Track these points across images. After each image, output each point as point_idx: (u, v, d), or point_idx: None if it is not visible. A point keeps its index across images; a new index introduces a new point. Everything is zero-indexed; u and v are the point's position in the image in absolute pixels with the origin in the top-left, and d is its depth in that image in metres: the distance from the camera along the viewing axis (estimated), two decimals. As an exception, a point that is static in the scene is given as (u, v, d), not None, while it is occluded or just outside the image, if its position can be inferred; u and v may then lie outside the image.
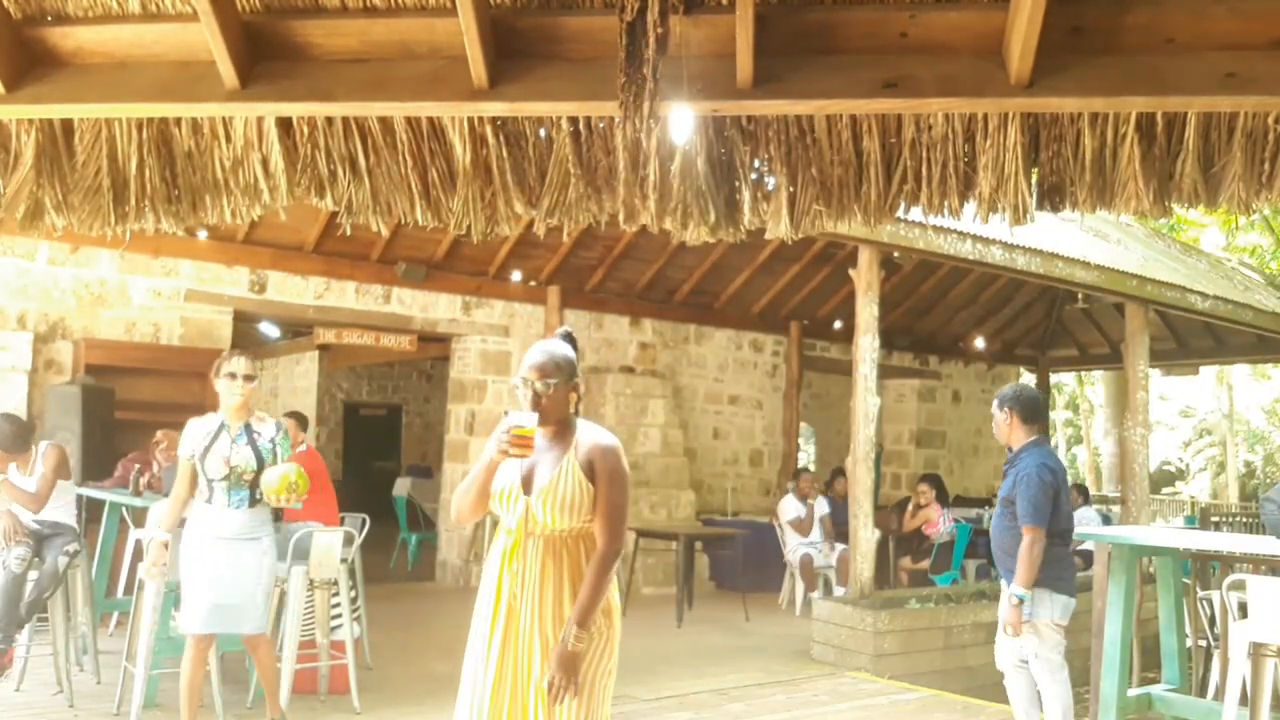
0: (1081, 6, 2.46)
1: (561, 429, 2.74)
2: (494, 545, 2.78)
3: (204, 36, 2.65)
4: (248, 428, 4.35)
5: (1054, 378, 18.38)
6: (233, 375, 4.40)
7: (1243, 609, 4.43)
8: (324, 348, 11.71)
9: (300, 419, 6.35)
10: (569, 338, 2.88)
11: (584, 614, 2.60)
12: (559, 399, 2.70)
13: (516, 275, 9.63)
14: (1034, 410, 4.55)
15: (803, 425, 13.25)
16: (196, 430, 4.31)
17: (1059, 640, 4.52)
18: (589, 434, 2.73)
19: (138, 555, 5.38)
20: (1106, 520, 10.86)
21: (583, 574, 2.65)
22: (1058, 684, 4.53)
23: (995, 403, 4.71)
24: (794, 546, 9.22)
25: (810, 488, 9.56)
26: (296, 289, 8.62)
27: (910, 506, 9.87)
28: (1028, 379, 16.51)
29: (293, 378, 14.60)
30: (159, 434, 6.29)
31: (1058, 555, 4.48)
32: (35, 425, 6.93)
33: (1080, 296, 11.52)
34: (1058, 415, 25.83)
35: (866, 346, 7.57)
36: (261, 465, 4.27)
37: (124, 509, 5.97)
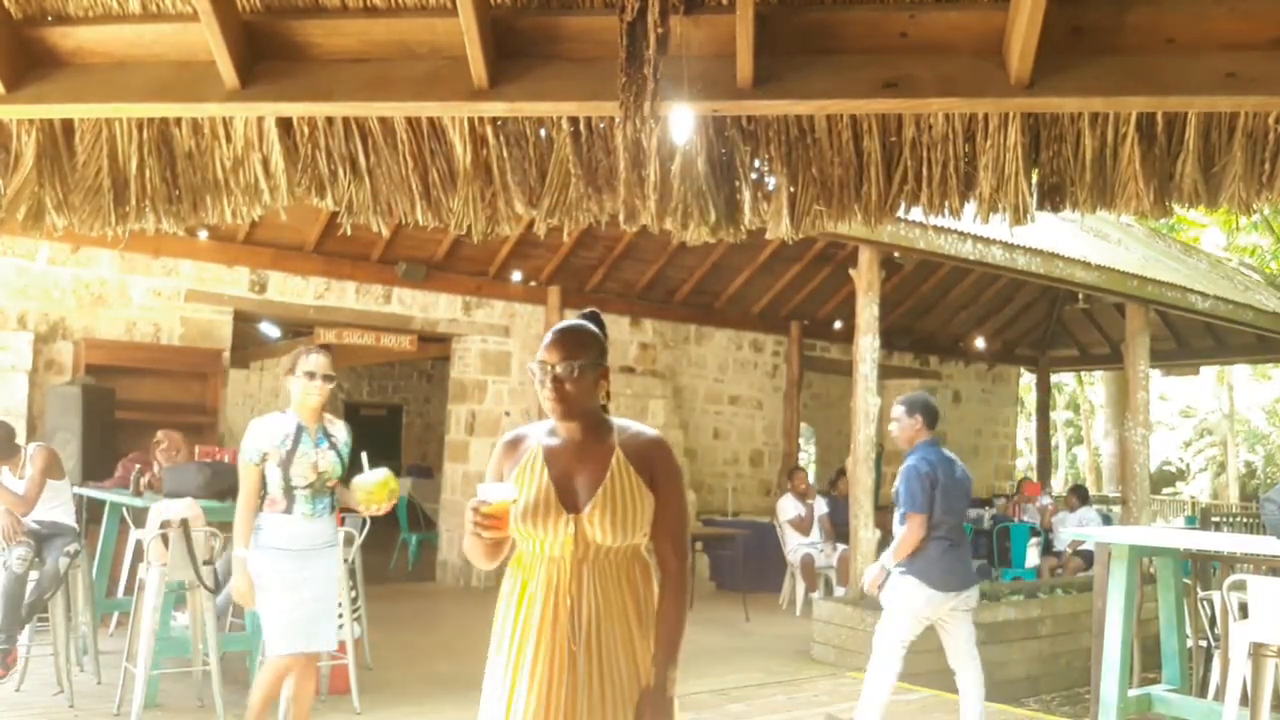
0: (1081, 6, 2.46)
1: (593, 426, 2.30)
2: (519, 577, 2.29)
3: (204, 36, 2.65)
4: (324, 430, 4.04)
5: (1054, 378, 18.38)
6: (311, 374, 3.99)
7: (1243, 609, 4.43)
8: (324, 348, 11.71)
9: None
10: (594, 317, 2.44)
11: (675, 650, 2.25)
12: (585, 386, 2.25)
13: (517, 275, 9.63)
14: (935, 416, 4.91)
15: (803, 425, 13.24)
16: (270, 431, 3.92)
17: (905, 626, 4.74)
18: (631, 429, 2.32)
19: (138, 555, 5.38)
20: (1106, 520, 10.85)
21: (640, 600, 2.27)
22: (880, 668, 4.76)
23: (903, 409, 4.92)
24: (794, 546, 9.22)
25: (807, 486, 9.56)
26: (296, 289, 8.62)
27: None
28: (1028, 379, 16.52)
29: (293, 378, 14.58)
30: (159, 434, 6.29)
31: (935, 549, 4.67)
32: (35, 425, 6.94)
33: (1080, 296, 11.53)
34: (1058, 415, 25.82)
35: (867, 346, 7.57)
36: (344, 470, 4.02)
37: (124, 509, 5.98)
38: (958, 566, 4.71)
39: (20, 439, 5.63)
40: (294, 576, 3.83)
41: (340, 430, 4.13)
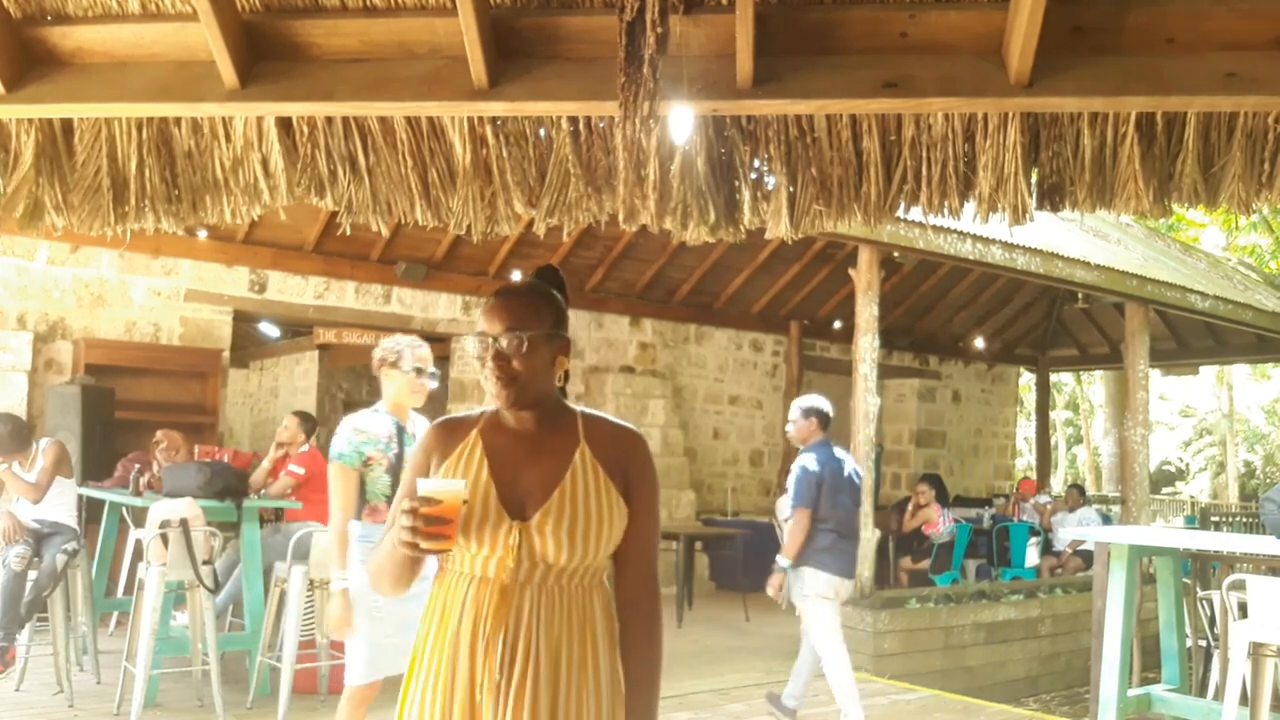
0: (1081, 6, 2.46)
1: (550, 414, 1.83)
2: (439, 604, 1.79)
3: (204, 36, 2.65)
4: (413, 431, 3.64)
5: (1054, 378, 18.39)
6: (421, 370, 3.62)
7: (1243, 609, 4.43)
8: (324, 348, 11.72)
9: (307, 418, 6.34)
10: (552, 275, 1.95)
11: (652, 715, 1.81)
12: (538, 364, 1.77)
13: (517, 275, 9.62)
14: (829, 419, 5.35)
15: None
16: (374, 432, 3.54)
17: (828, 614, 5.13)
18: (600, 419, 1.86)
19: (138, 555, 5.38)
20: (1106, 520, 10.86)
21: (600, 642, 1.76)
22: (831, 660, 5.11)
23: (799, 411, 5.35)
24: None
25: None
26: (296, 289, 8.62)
27: (910, 506, 9.88)
28: (1028, 379, 16.52)
29: (293, 378, 14.60)
30: (159, 434, 6.30)
31: (824, 539, 5.10)
32: (34, 425, 6.93)
33: (1080, 296, 11.53)
34: (1058, 415, 25.83)
35: (866, 346, 7.57)
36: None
37: (124, 509, 5.98)
38: (845, 556, 5.18)
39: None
40: (404, 598, 3.48)
41: (424, 427, 3.91)
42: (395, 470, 3.49)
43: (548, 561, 1.72)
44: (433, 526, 1.63)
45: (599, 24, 2.59)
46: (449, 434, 1.86)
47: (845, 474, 5.20)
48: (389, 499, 3.43)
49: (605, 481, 1.77)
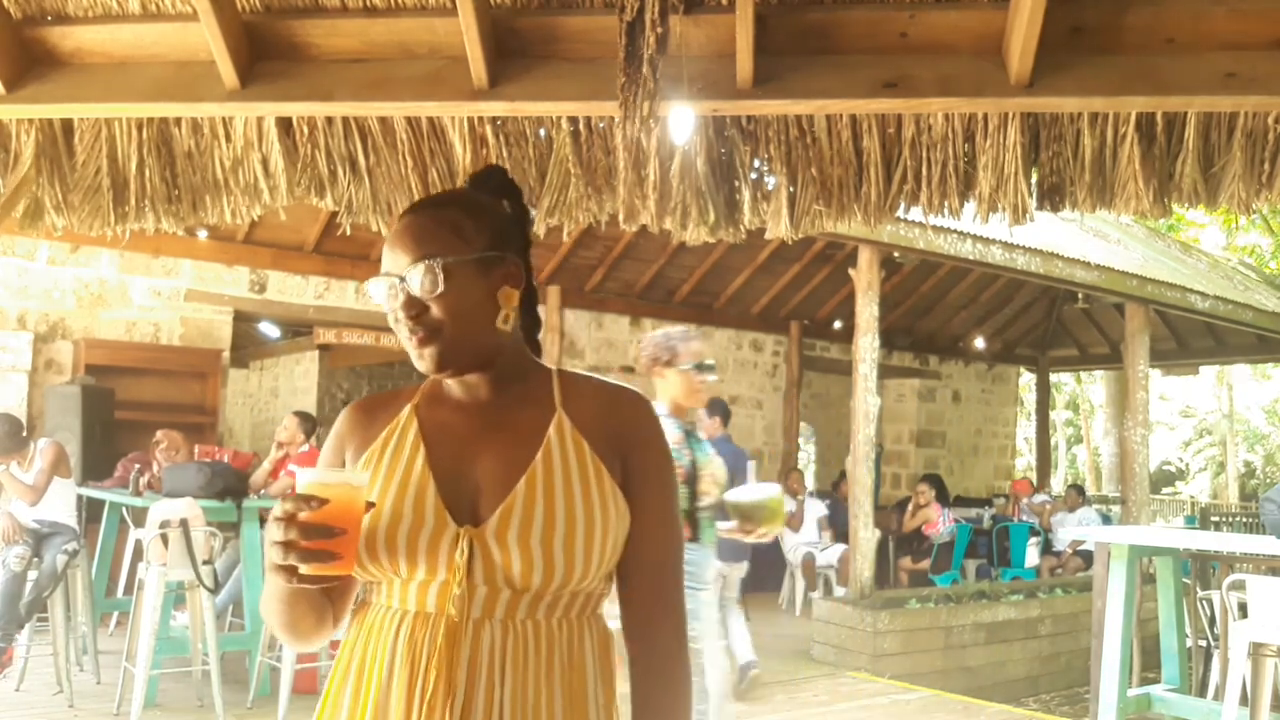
0: (1081, 6, 2.46)
1: (511, 374, 1.33)
2: (359, 649, 1.26)
3: (204, 36, 2.65)
4: None
5: (1054, 378, 18.39)
6: (701, 366, 3.26)
7: (1243, 609, 4.43)
8: (324, 348, 11.72)
9: (306, 418, 6.34)
10: (493, 179, 1.41)
11: None
12: (467, 302, 1.26)
13: (516, 275, 9.63)
14: (729, 416, 5.57)
15: (803, 425, 13.25)
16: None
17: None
18: (585, 381, 1.35)
19: (138, 555, 5.38)
20: (1106, 520, 10.86)
21: (593, 700, 1.25)
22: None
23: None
24: (794, 546, 9.23)
25: (800, 484, 9.60)
26: (296, 289, 8.62)
27: (910, 506, 9.88)
28: (1028, 379, 16.52)
29: (293, 378, 14.61)
30: (159, 434, 6.29)
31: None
32: (34, 425, 6.94)
33: (1080, 296, 11.53)
34: (1058, 415, 25.84)
35: (866, 346, 7.57)
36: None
37: (124, 509, 5.98)
38: (732, 544, 5.22)
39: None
40: (709, 625, 3.11)
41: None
42: (692, 480, 3.08)
43: (513, 584, 1.20)
44: (316, 539, 1.12)
45: (599, 24, 2.59)
46: (368, 415, 1.36)
47: (743, 467, 5.34)
48: (688, 513, 3.02)
49: (594, 464, 1.25)
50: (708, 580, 3.10)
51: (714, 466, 3.18)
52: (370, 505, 1.22)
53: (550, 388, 1.32)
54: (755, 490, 3.23)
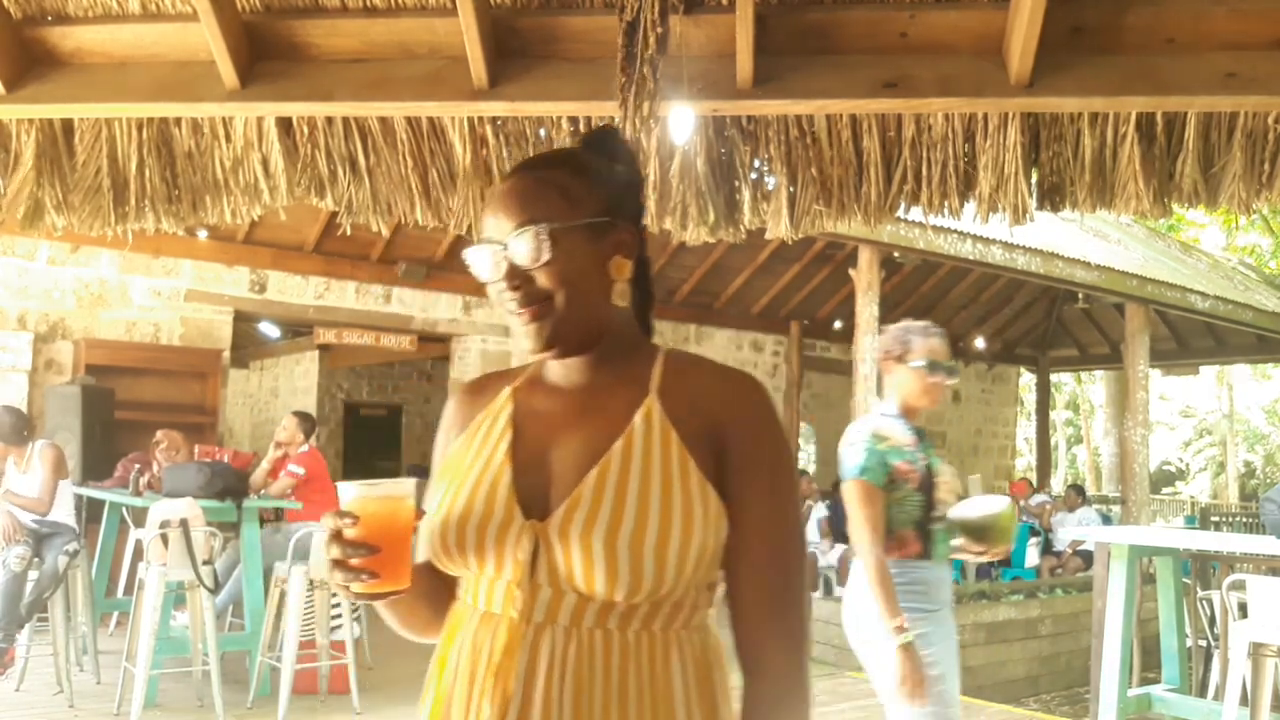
0: (1081, 6, 2.46)
1: (617, 354, 1.21)
2: (442, 645, 1.20)
3: (204, 36, 2.65)
4: None
5: (1054, 378, 18.39)
6: (935, 365, 3.03)
7: (1243, 609, 4.43)
8: (324, 348, 11.73)
9: (305, 418, 6.34)
10: (607, 139, 1.28)
11: None
12: (579, 273, 1.15)
13: (516, 275, 9.63)
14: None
15: (803, 425, 13.24)
16: (892, 436, 2.84)
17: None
18: (691, 362, 1.20)
19: (137, 555, 5.38)
20: (1106, 520, 10.86)
21: None
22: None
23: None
24: (794, 546, 9.23)
25: (806, 487, 9.58)
26: (296, 289, 8.62)
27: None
28: (1028, 379, 16.52)
29: (293, 378, 14.62)
30: (159, 434, 6.29)
31: None
32: (34, 425, 6.94)
33: (1080, 296, 11.53)
34: (1058, 415, 25.84)
35: (866, 346, 7.58)
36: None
37: (124, 509, 5.98)
38: None
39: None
40: (950, 650, 2.77)
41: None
42: (926, 489, 2.79)
43: (577, 589, 1.07)
44: (362, 557, 1.07)
45: (599, 24, 2.59)
46: (473, 396, 1.29)
47: None
48: (920, 526, 2.76)
49: (681, 456, 1.10)
50: (943, 600, 2.78)
51: (949, 474, 2.87)
52: (421, 513, 1.15)
53: (651, 369, 1.18)
54: (984, 504, 2.90)
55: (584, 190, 1.17)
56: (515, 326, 1.16)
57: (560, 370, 1.21)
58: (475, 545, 1.12)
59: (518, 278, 1.13)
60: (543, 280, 1.13)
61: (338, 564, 1.08)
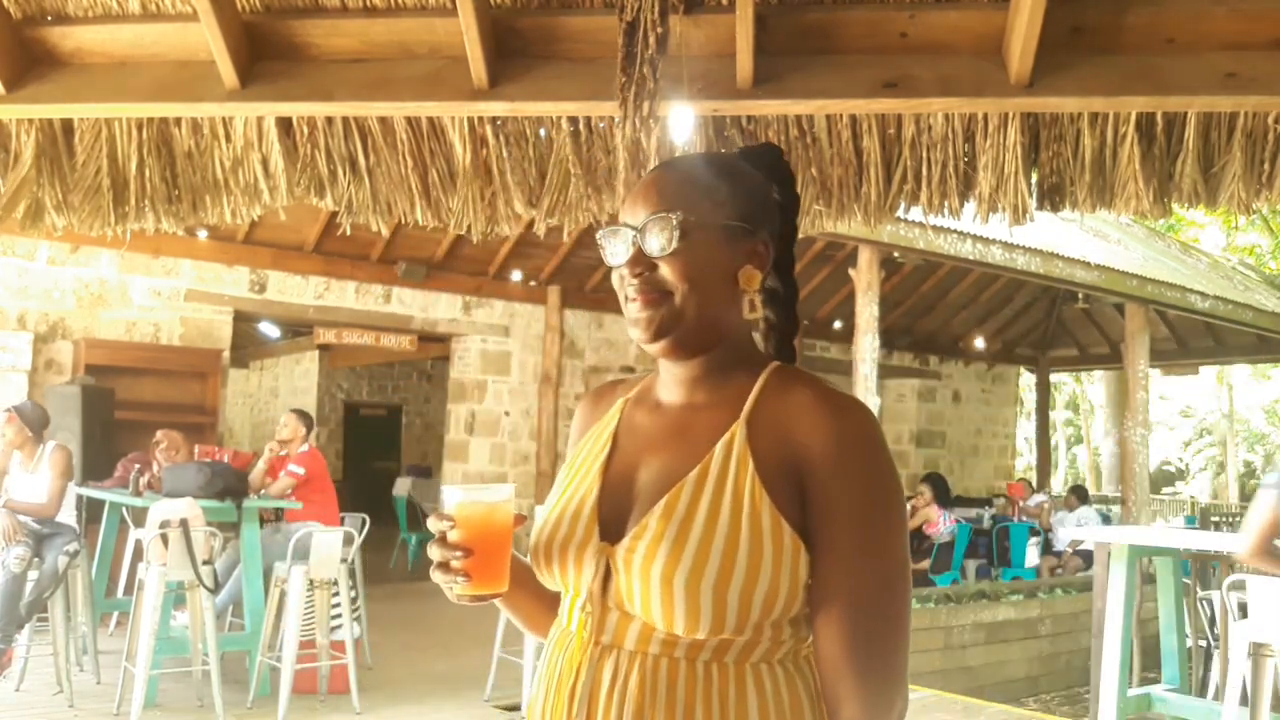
0: (1081, 6, 2.46)
1: (727, 366, 1.15)
2: (541, 660, 1.18)
3: (204, 36, 2.65)
4: None
5: (1054, 378, 18.40)
6: None
7: (1243, 609, 4.43)
8: (324, 348, 11.73)
9: (304, 417, 6.34)
10: (767, 156, 1.25)
11: None
12: (705, 270, 1.11)
13: (516, 275, 9.63)
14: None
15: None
16: None
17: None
18: (794, 383, 1.12)
19: (137, 555, 5.38)
20: (1106, 520, 10.86)
21: None
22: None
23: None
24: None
25: None
26: (296, 289, 8.62)
27: (910, 507, 9.88)
28: (1028, 379, 16.52)
29: (293, 378, 14.62)
30: (159, 434, 6.29)
31: None
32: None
33: (1080, 296, 11.53)
34: (1058, 415, 25.84)
35: (866, 346, 7.57)
36: None
37: (124, 509, 5.98)
38: None
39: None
40: None
41: None
42: None
43: (638, 619, 1.06)
44: (461, 559, 1.09)
45: (599, 24, 2.59)
46: (594, 406, 1.28)
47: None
48: None
49: (754, 489, 1.04)
50: None
51: None
52: (521, 519, 1.13)
53: (750, 390, 1.12)
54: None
55: (727, 193, 1.14)
56: (630, 314, 1.13)
57: (669, 383, 1.18)
58: (559, 562, 1.12)
59: (641, 264, 1.11)
60: (666, 271, 1.10)
61: (440, 566, 1.10)
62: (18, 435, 5.18)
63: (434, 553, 1.10)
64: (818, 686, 1.07)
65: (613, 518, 1.10)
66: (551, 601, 1.21)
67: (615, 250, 1.14)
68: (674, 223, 1.09)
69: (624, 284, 1.13)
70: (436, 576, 1.11)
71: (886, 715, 1.04)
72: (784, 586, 1.02)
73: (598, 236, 1.17)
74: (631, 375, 1.31)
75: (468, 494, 1.11)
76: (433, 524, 1.11)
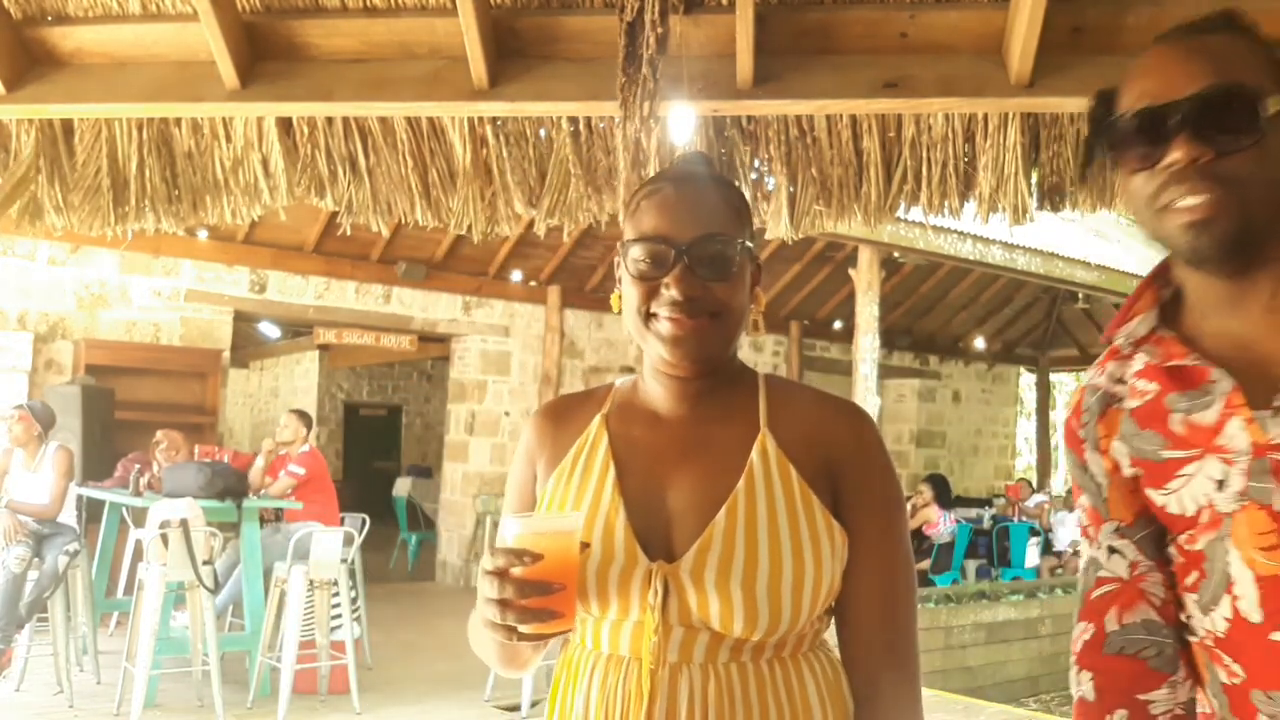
0: (1081, 6, 2.46)
1: (723, 383, 1.18)
2: (562, 690, 1.16)
3: (204, 36, 2.65)
4: None
5: (1054, 378, 18.40)
6: None
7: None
8: (324, 348, 11.74)
9: (304, 417, 6.35)
10: (700, 162, 1.25)
11: None
12: (744, 298, 1.16)
13: (516, 275, 9.63)
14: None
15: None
16: None
17: None
18: (793, 391, 1.20)
19: (137, 555, 5.38)
20: (1106, 520, 10.85)
21: None
22: None
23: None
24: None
25: None
26: (296, 289, 8.62)
27: (910, 507, 9.88)
28: (1028, 379, 16.52)
29: (293, 378, 14.63)
30: (159, 434, 6.30)
31: None
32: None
33: (1080, 296, 11.54)
34: (1058, 415, 25.82)
35: (866, 346, 7.58)
36: None
37: (124, 509, 5.98)
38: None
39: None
40: None
41: None
42: None
43: (713, 629, 1.07)
44: (534, 597, 1.01)
45: (599, 24, 2.59)
46: (557, 424, 1.23)
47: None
48: None
49: (804, 492, 1.10)
50: None
51: None
52: (585, 546, 1.10)
53: (756, 400, 1.16)
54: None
55: (747, 213, 1.19)
56: (664, 331, 1.10)
57: (664, 396, 1.18)
58: (597, 588, 1.09)
59: (695, 286, 1.09)
60: (718, 295, 1.11)
61: (506, 605, 1.01)
62: (25, 433, 5.19)
63: (506, 590, 1.01)
64: (838, 662, 1.15)
65: (652, 537, 1.10)
66: (526, 650, 1.14)
67: (653, 264, 1.10)
68: (737, 247, 1.12)
69: (659, 299, 1.10)
70: (491, 614, 1.01)
71: (918, 678, 1.14)
72: (838, 577, 1.11)
73: (627, 244, 1.13)
74: (584, 390, 1.30)
75: (537, 522, 1.06)
76: (500, 560, 1.02)
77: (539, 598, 1.01)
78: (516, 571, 1.01)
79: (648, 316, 1.11)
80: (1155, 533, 1.11)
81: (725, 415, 1.15)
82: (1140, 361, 1.09)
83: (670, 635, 1.07)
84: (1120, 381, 1.11)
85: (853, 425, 1.15)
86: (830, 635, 1.17)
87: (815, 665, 1.12)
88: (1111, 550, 1.13)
